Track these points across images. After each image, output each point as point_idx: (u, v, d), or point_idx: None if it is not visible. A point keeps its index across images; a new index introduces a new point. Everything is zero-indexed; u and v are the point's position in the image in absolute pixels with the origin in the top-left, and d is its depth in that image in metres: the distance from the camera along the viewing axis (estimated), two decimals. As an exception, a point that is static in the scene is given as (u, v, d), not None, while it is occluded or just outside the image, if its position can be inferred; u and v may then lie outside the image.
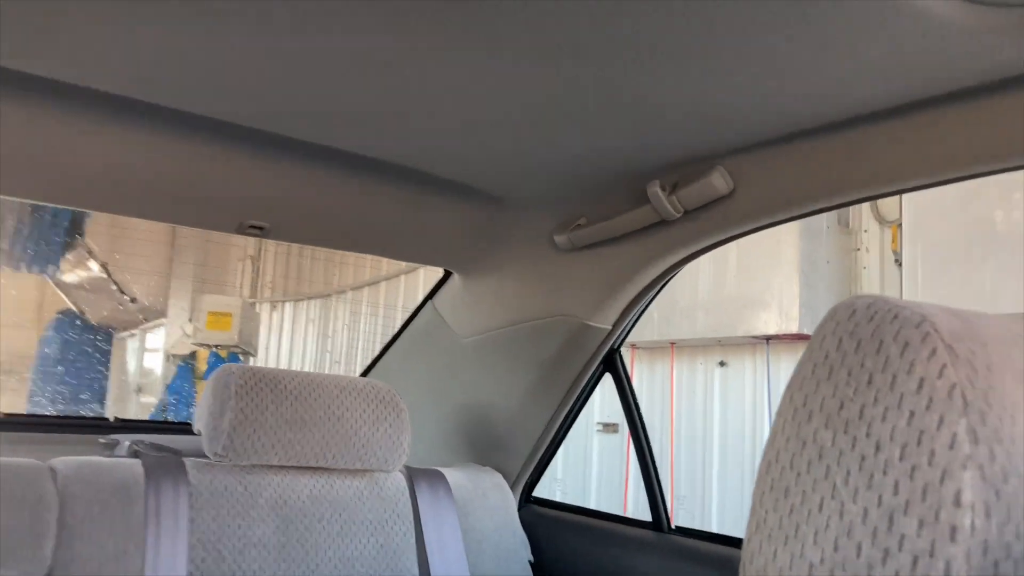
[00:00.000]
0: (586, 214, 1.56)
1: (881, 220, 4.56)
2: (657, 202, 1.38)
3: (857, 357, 0.41)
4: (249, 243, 11.25)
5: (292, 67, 1.12)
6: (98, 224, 10.33)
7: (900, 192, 1.19)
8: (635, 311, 1.62)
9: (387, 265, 8.97)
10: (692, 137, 1.27)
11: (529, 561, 1.67)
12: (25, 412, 8.81)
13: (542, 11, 0.93)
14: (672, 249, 1.46)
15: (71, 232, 9.95)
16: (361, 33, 1.02)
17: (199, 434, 1.38)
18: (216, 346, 8.74)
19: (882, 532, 0.37)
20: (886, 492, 0.38)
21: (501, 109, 1.21)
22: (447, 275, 1.94)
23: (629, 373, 1.70)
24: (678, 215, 1.38)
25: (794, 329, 4.37)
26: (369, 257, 9.23)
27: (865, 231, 4.57)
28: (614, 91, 1.13)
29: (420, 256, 1.84)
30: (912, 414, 0.38)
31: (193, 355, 9.33)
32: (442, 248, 1.79)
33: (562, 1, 0.90)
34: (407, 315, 2.06)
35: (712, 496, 4.92)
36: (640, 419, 1.65)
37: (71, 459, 1.27)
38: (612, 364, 1.70)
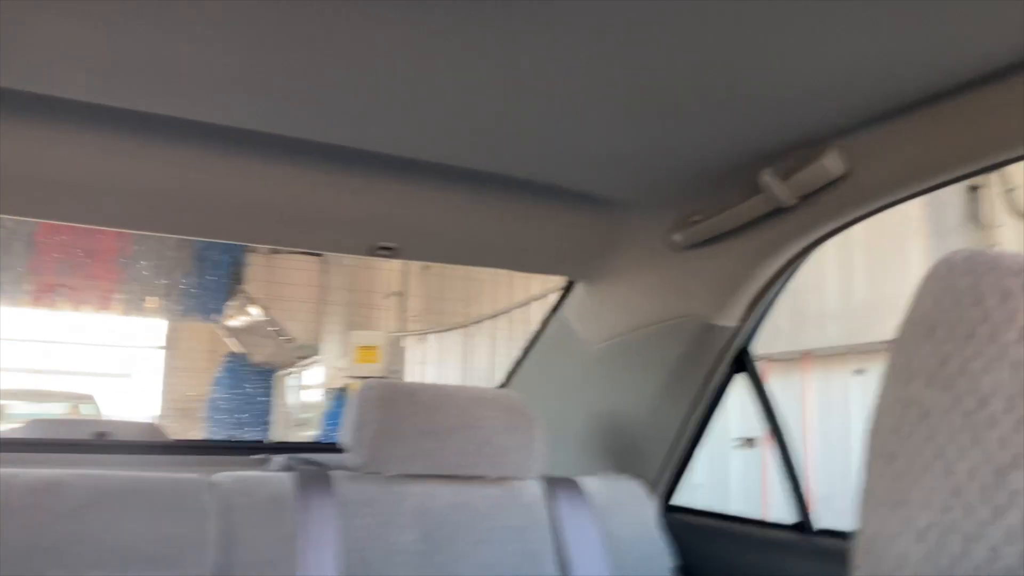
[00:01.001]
0: (701, 209, 1.52)
1: (1019, 213, 4.18)
2: (770, 190, 1.33)
3: (956, 311, 0.39)
4: (394, 281, 11.65)
5: (406, 88, 1.16)
6: (255, 270, 10.94)
7: None
8: (761, 307, 1.56)
9: (520, 293, 9.05)
10: (802, 119, 1.22)
11: (672, 568, 1.61)
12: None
13: (635, 4, 0.91)
14: (792, 237, 1.40)
15: (231, 280, 10.56)
16: (469, 51, 1.04)
17: (345, 449, 1.42)
18: (366, 378, 9.01)
19: (991, 489, 0.35)
20: (993, 448, 0.35)
21: (606, 110, 1.21)
22: (570, 284, 1.93)
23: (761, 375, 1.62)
24: (794, 201, 1.33)
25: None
26: (503, 287, 9.36)
27: (1000, 226, 4.20)
28: (716, 77, 1.10)
29: (542, 266, 1.85)
30: (1016, 364, 0.36)
31: (346, 388, 9.70)
32: (563, 257, 1.79)
33: None
34: None
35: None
36: (778, 418, 1.57)
37: (228, 473, 1.34)
38: (743, 364, 1.63)
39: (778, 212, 1.37)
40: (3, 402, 11.25)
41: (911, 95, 1.12)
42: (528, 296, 8.74)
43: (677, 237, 1.56)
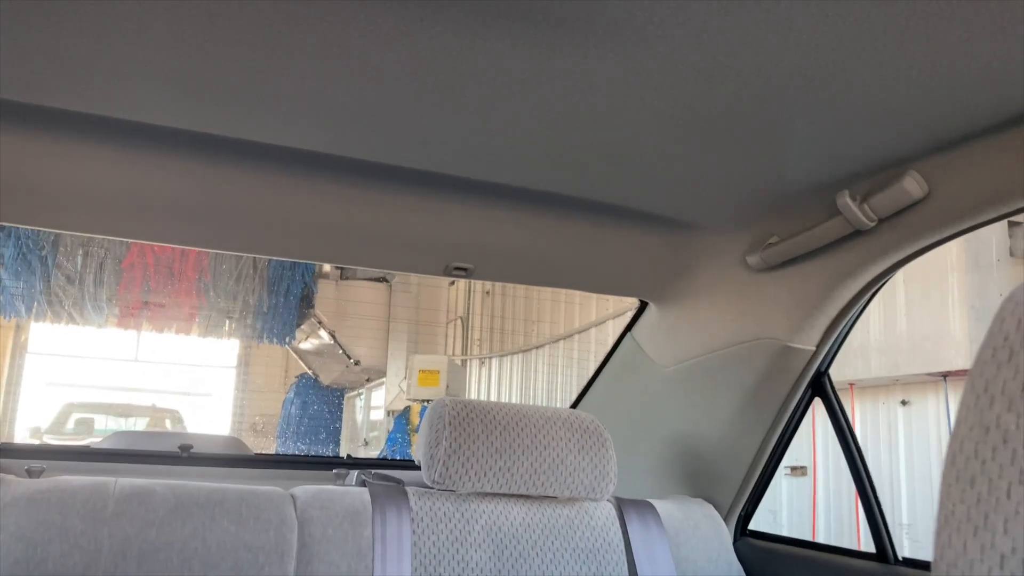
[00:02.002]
0: (777, 231, 1.47)
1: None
2: (848, 212, 1.27)
3: None
4: (459, 305, 11.70)
5: (481, 113, 1.15)
6: (325, 296, 11.11)
7: None
8: (840, 330, 1.49)
9: (579, 320, 8.99)
10: (880, 141, 1.17)
11: None
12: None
13: (712, 28, 0.88)
14: (870, 260, 1.34)
15: (302, 305, 10.74)
16: (543, 75, 1.02)
17: (419, 466, 1.39)
18: (427, 400, 9.06)
19: None
20: None
21: (681, 133, 1.18)
22: (643, 305, 1.88)
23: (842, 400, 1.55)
24: (872, 224, 1.27)
25: (966, 365, 3.96)
26: (563, 314, 9.31)
27: None
28: (793, 99, 1.06)
29: (615, 288, 1.80)
30: None
31: (408, 409, 9.73)
32: (636, 278, 1.75)
33: (730, 15, 0.85)
34: (599, 362, 2.01)
35: (903, 528, 4.51)
36: (856, 445, 1.50)
37: (309, 487, 1.34)
38: (821, 388, 1.56)
39: (856, 235, 1.32)
40: (90, 415, 11.57)
41: (992, 117, 1.07)
42: (587, 323, 8.68)
43: (753, 259, 1.51)
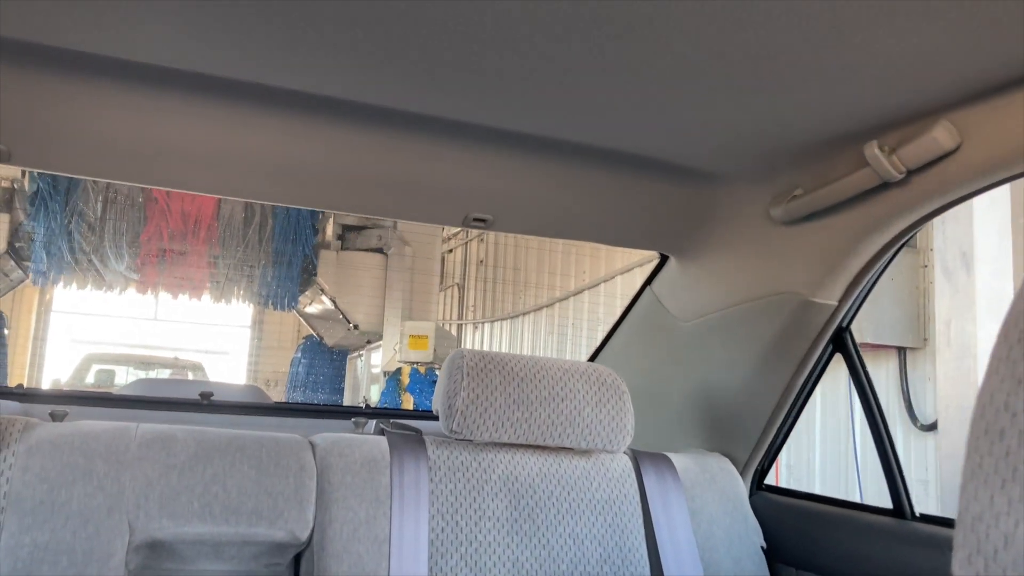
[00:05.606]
0: (802, 184, 1.33)
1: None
2: (876, 163, 1.13)
3: None
4: (456, 272, 11.60)
5: (502, 60, 1.01)
6: (326, 265, 10.97)
7: None
8: (863, 285, 1.36)
9: (560, 289, 8.91)
10: (910, 90, 1.03)
11: (762, 547, 1.41)
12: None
13: None
14: (897, 214, 1.21)
15: (305, 273, 10.61)
16: (563, 19, 0.89)
17: (437, 416, 1.30)
18: (416, 363, 9.08)
19: None
20: None
21: (704, 80, 1.04)
22: (664, 259, 1.73)
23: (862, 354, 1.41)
24: (900, 175, 1.13)
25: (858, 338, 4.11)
26: (546, 281, 9.22)
27: (931, 250, 4.03)
28: (821, 46, 0.93)
29: (635, 240, 1.66)
30: None
31: (399, 370, 9.68)
32: (657, 231, 1.60)
33: None
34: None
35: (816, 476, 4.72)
36: (877, 402, 1.37)
37: (328, 435, 1.26)
38: (842, 344, 1.42)
39: (884, 187, 1.19)
40: (111, 367, 11.01)
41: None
42: (566, 292, 8.60)
43: (776, 212, 1.36)
